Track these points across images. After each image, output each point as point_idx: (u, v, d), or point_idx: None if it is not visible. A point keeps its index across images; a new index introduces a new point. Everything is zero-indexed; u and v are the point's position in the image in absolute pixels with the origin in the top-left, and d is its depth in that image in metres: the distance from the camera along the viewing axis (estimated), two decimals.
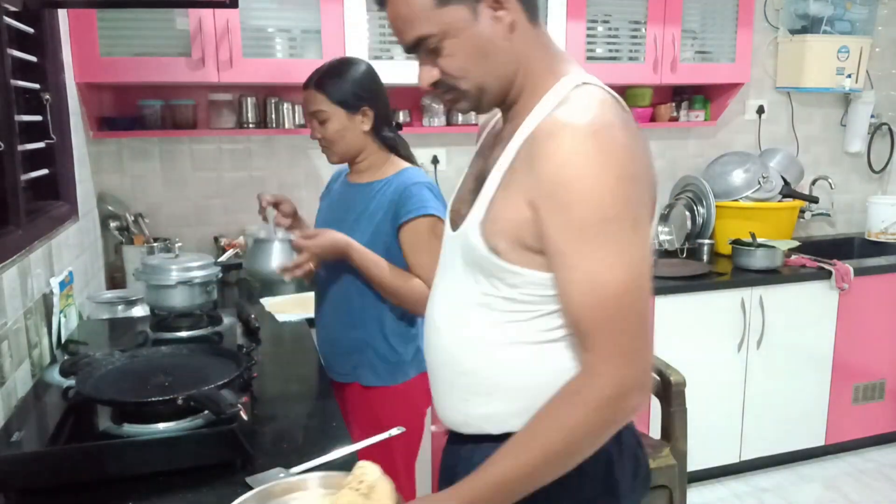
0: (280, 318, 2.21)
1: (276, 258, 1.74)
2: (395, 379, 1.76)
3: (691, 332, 2.79)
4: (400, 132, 1.82)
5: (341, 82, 1.71)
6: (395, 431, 1.30)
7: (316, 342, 1.91)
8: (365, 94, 1.72)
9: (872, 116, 3.64)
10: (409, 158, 1.80)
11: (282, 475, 1.14)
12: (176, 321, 1.86)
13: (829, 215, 3.62)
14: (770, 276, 2.88)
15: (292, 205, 1.81)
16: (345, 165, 1.87)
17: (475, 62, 0.99)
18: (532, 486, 0.94)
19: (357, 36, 2.50)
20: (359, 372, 1.77)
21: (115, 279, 2.57)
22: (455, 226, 1.08)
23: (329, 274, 1.78)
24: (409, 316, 1.76)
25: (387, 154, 1.78)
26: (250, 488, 1.09)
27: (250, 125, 2.71)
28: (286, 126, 2.71)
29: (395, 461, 1.69)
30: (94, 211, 2.48)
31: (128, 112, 2.63)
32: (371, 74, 1.76)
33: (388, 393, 1.76)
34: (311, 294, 1.95)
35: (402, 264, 1.70)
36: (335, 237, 1.65)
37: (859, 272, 2.96)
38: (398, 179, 1.71)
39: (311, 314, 1.97)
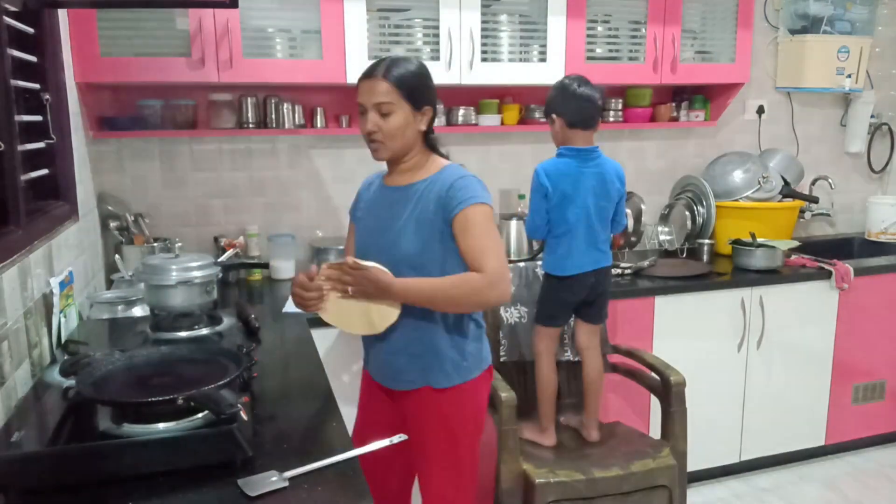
0: (286, 310, 2.25)
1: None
2: (464, 377, 1.75)
3: (691, 332, 2.79)
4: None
5: (412, 77, 1.68)
6: (396, 439, 1.30)
7: (369, 356, 1.86)
8: (429, 94, 1.73)
9: (872, 116, 3.64)
10: (447, 157, 1.80)
11: (274, 478, 1.14)
12: (176, 321, 1.86)
13: (829, 215, 3.62)
14: (770, 276, 2.88)
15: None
16: (375, 174, 1.86)
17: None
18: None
19: (357, 36, 2.50)
20: (429, 376, 1.73)
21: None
22: None
23: None
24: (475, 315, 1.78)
25: (429, 154, 1.77)
26: (243, 491, 1.10)
27: (250, 125, 2.71)
28: (286, 126, 2.71)
29: (461, 457, 1.77)
30: (94, 211, 2.48)
31: (128, 112, 2.63)
32: (430, 75, 1.76)
33: (457, 392, 1.74)
34: None
35: (457, 258, 1.67)
36: (379, 277, 1.61)
37: (859, 272, 2.96)
38: (442, 176, 1.69)
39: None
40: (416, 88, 1.68)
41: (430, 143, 1.77)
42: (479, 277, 1.61)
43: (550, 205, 2.17)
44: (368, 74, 1.68)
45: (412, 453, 1.78)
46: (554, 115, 2.17)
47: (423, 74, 1.72)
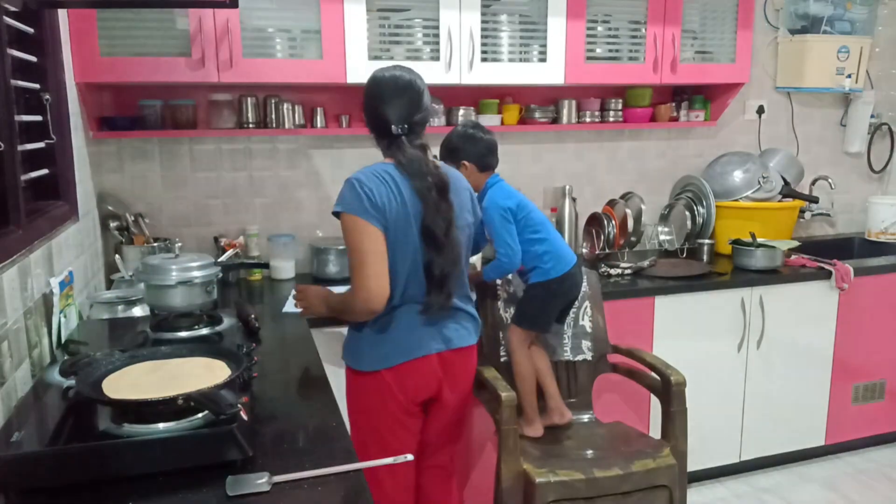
0: (286, 309, 2.27)
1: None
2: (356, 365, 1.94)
3: (691, 332, 2.79)
4: None
5: None
6: (401, 459, 1.29)
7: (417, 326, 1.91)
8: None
9: (872, 116, 3.64)
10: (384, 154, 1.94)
11: (260, 480, 1.13)
12: (176, 321, 1.86)
13: (829, 215, 3.62)
14: (770, 276, 2.88)
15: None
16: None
17: None
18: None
19: (357, 36, 2.50)
20: (472, 335, 2.00)
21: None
22: None
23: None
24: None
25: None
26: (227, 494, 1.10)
27: (250, 125, 2.71)
28: (286, 126, 2.71)
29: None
30: (94, 211, 2.48)
31: (128, 112, 2.63)
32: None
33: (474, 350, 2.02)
34: None
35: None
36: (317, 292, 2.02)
37: (859, 272, 2.96)
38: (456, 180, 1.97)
39: None
40: None
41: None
42: (348, 292, 1.84)
43: (519, 224, 2.23)
44: None
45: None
46: (465, 163, 2.25)
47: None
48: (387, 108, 1.82)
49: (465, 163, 2.24)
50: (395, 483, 1.90)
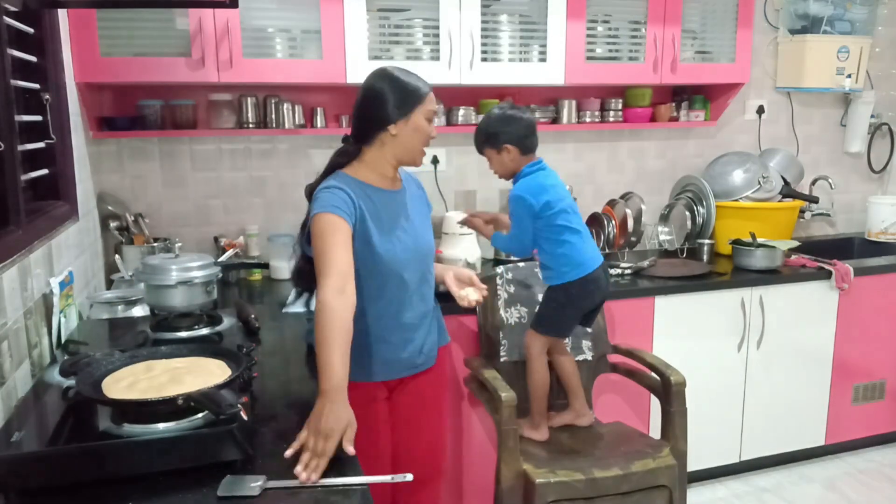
0: (286, 310, 2.25)
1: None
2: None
3: (691, 332, 2.79)
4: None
5: None
6: (399, 478, 1.27)
7: (383, 350, 1.85)
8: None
9: (872, 116, 3.64)
10: None
11: (254, 483, 1.13)
12: (176, 321, 1.86)
13: (829, 215, 3.62)
14: (770, 276, 2.88)
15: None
16: (346, 184, 1.76)
17: None
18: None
19: (357, 36, 2.50)
20: (440, 337, 1.98)
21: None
22: None
23: (414, 278, 1.83)
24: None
25: None
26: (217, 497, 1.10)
27: (250, 125, 2.71)
28: (286, 126, 2.71)
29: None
30: (94, 211, 2.48)
31: (128, 112, 2.63)
32: None
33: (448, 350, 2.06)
34: None
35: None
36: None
37: (859, 272, 2.96)
38: (405, 176, 1.93)
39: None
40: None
41: None
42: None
43: (540, 222, 2.13)
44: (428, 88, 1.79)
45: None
46: (508, 146, 2.13)
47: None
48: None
49: (508, 146, 2.12)
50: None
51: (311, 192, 1.76)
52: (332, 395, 1.37)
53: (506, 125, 2.13)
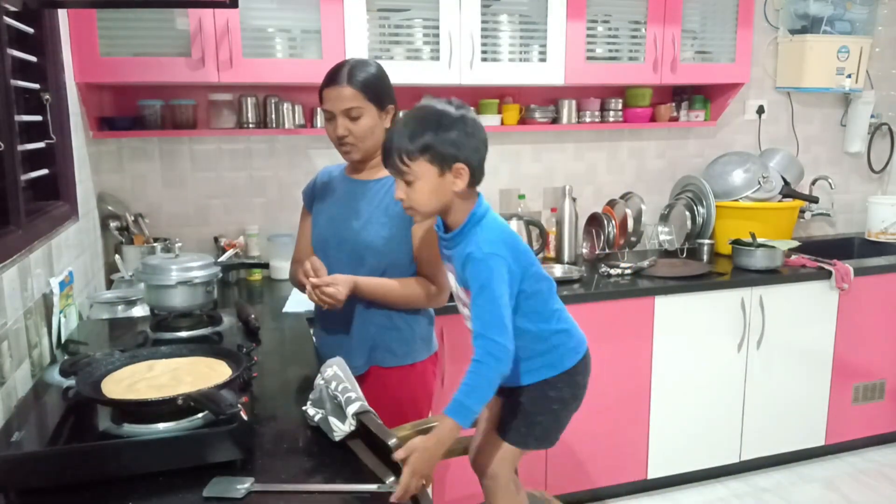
0: (286, 309, 2.26)
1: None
2: (414, 358, 1.85)
3: (691, 332, 2.79)
4: None
5: (375, 80, 1.78)
6: (385, 488, 1.23)
7: (318, 343, 1.93)
8: (391, 93, 1.82)
9: (872, 116, 3.64)
10: None
11: (240, 486, 1.13)
12: (176, 321, 1.86)
13: (829, 215, 3.62)
14: (770, 276, 2.88)
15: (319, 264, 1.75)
16: (335, 166, 1.94)
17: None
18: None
19: (357, 36, 2.50)
20: (376, 355, 1.83)
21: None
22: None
23: (337, 264, 1.79)
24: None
25: None
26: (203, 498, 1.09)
27: (250, 125, 2.71)
28: (286, 126, 2.71)
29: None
30: (94, 211, 2.48)
31: (128, 112, 2.63)
32: (387, 75, 1.84)
33: (404, 373, 1.84)
34: None
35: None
36: (346, 281, 1.71)
37: (859, 272, 2.96)
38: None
39: None
40: (380, 89, 1.78)
41: None
42: (435, 289, 1.80)
43: (515, 287, 1.50)
44: (332, 82, 1.76)
45: None
46: (460, 165, 1.48)
47: (382, 76, 1.82)
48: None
49: (462, 166, 1.52)
50: None
51: None
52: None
53: (467, 136, 1.52)
